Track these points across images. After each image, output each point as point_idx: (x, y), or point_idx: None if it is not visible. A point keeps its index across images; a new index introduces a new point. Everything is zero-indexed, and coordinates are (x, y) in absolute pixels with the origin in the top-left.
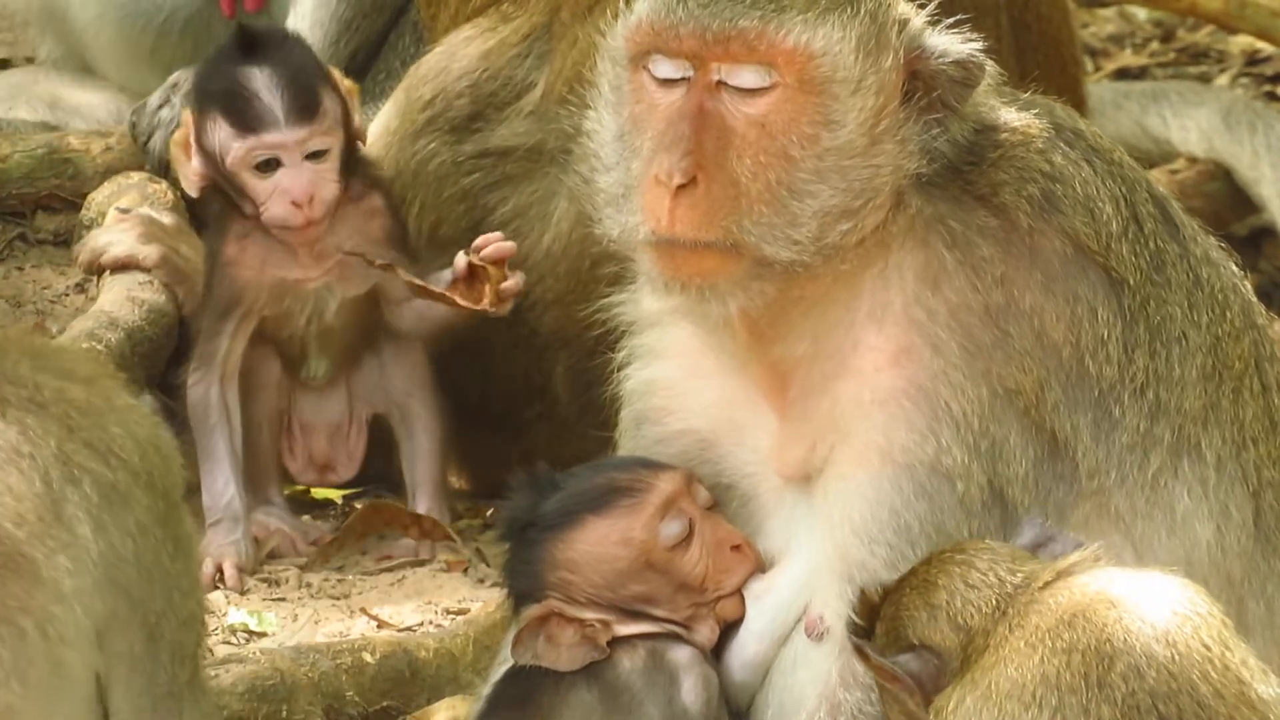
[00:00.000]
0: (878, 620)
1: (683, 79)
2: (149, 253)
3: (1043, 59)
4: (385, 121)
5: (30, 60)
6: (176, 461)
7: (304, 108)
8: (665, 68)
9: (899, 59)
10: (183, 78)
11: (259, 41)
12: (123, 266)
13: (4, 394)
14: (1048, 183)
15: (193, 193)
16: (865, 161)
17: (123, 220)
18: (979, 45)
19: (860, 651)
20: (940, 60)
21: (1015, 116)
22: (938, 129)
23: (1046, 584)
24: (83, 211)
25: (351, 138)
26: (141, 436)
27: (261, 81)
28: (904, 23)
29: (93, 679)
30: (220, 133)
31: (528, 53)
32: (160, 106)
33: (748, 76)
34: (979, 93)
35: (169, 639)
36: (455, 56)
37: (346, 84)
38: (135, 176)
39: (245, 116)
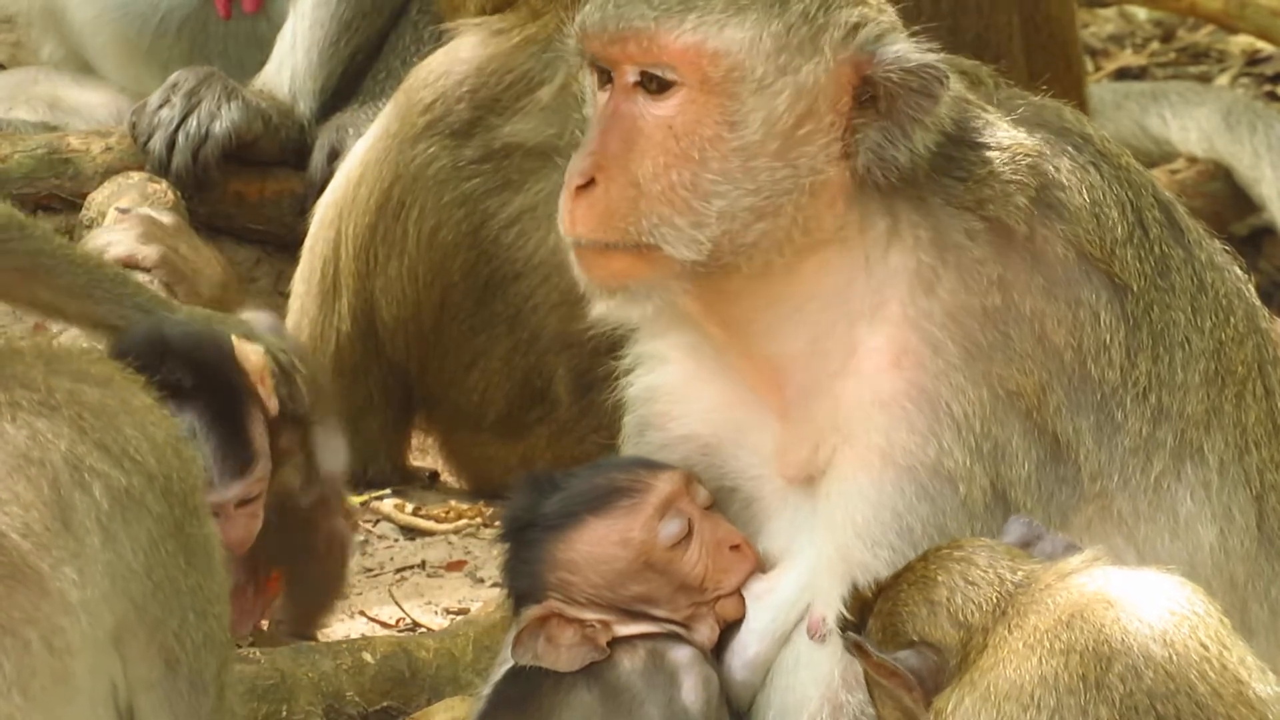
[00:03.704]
0: (870, 617)
1: (610, 81)
2: (149, 253)
3: (1049, 58)
4: (385, 124)
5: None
6: (197, 464)
7: (238, 464)
8: (597, 70)
9: (833, 63)
10: (183, 78)
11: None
12: (123, 266)
13: (15, 398)
14: (1050, 191)
15: None
16: (777, 163)
17: (122, 220)
18: (938, 55)
19: (859, 647)
20: (891, 68)
21: (1007, 135)
22: (899, 136)
23: (1047, 585)
24: (83, 211)
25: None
26: (159, 438)
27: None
28: (856, 27)
29: (106, 689)
30: None
31: (548, 48)
32: (160, 106)
33: (651, 77)
34: (970, 105)
35: (186, 664)
36: (457, 60)
37: (260, 371)
38: (135, 176)
39: None
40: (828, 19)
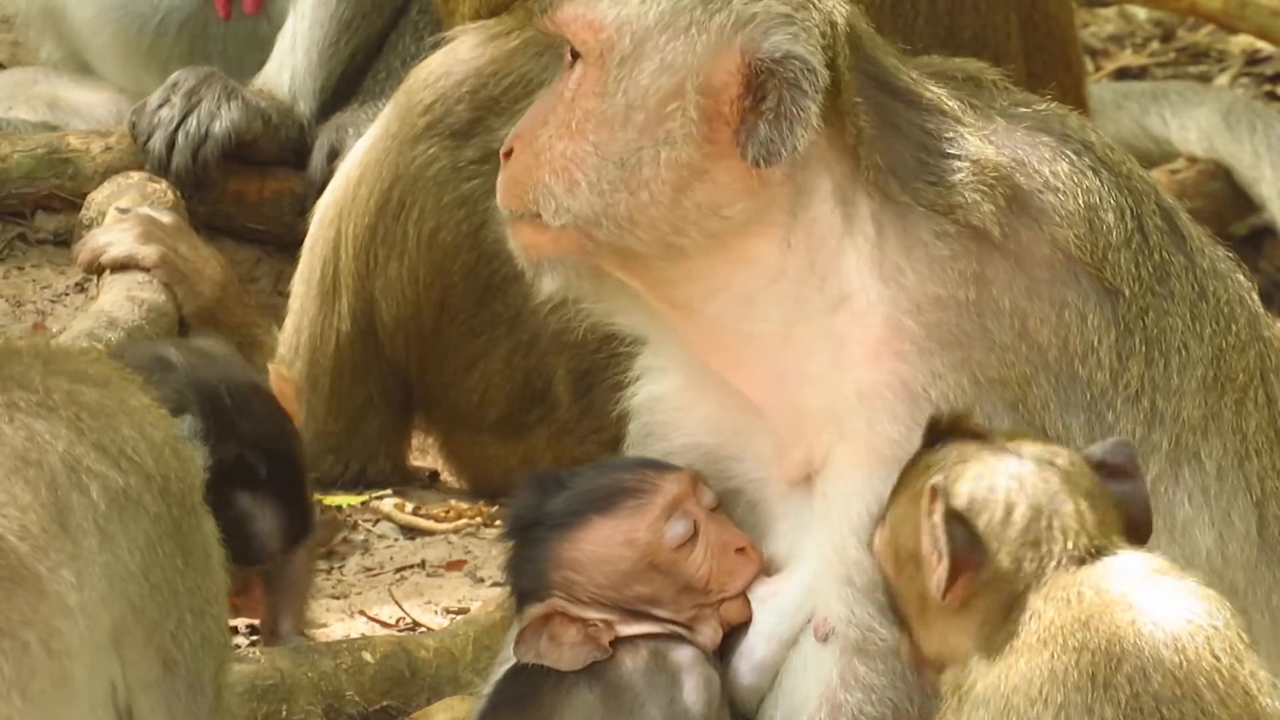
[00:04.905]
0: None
1: None
2: (148, 253)
3: (1048, 58)
4: (384, 125)
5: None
6: (195, 464)
7: (303, 526)
8: None
9: (711, 48)
10: (183, 77)
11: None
12: (122, 266)
13: (13, 399)
14: (1039, 195)
15: None
16: (640, 138)
17: (122, 220)
18: (812, 49)
19: (934, 490)
20: (764, 57)
21: (976, 149)
22: (785, 129)
23: (1077, 585)
24: (83, 211)
25: None
26: (157, 439)
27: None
28: (753, 17)
29: (105, 691)
30: None
31: (545, 50)
32: (160, 106)
33: (566, 50)
34: (945, 117)
35: (184, 665)
36: (457, 61)
37: (295, 401)
38: (135, 176)
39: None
40: (726, 5)
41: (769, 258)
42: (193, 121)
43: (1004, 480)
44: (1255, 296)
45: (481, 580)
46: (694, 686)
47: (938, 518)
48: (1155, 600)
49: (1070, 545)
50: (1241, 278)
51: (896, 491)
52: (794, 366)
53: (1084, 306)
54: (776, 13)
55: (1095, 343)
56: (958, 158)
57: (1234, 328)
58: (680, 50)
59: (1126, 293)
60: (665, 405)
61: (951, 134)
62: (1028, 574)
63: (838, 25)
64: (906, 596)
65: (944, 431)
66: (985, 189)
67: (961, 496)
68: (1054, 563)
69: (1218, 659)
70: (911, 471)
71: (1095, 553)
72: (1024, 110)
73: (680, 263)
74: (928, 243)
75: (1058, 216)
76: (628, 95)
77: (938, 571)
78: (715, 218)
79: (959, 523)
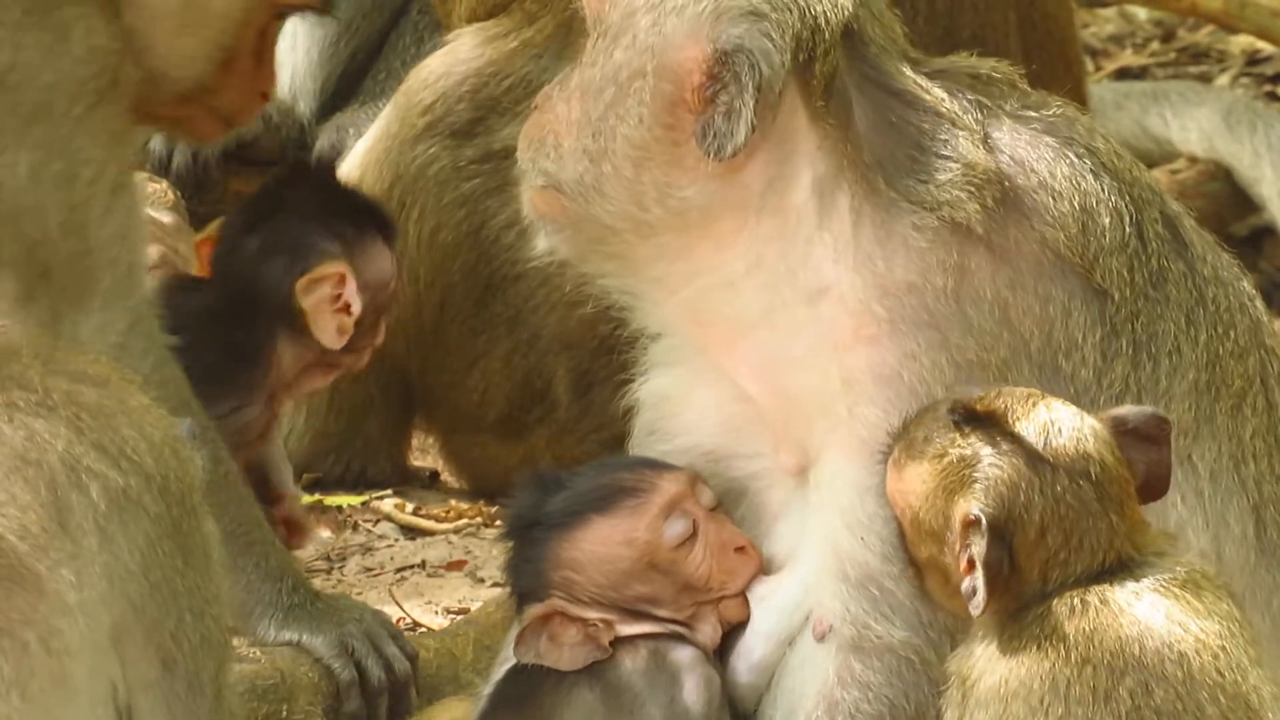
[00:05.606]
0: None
1: None
2: (149, 253)
3: (1048, 57)
4: (385, 125)
5: None
6: (195, 464)
7: None
8: None
9: (680, 35)
10: None
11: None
12: None
13: (12, 399)
14: (1032, 194)
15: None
16: (609, 112)
17: None
18: (767, 49)
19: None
20: (721, 50)
21: (968, 151)
22: (735, 121)
23: (1095, 599)
24: None
25: None
26: (157, 438)
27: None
28: (728, 10)
29: (104, 690)
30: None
31: (543, 51)
32: None
33: None
34: (940, 118)
35: (184, 665)
36: (457, 61)
37: None
38: None
39: None
40: None
41: (740, 244)
42: None
43: (1039, 499)
44: (1260, 305)
45: (482, 580)
46: (694, 686)
47: (978, 549)
48: (1163, 615)
49: (1096, 561)
50: (1247, 286)
51: (915, 455)
52: (780, 354)
53: (1069, 303)
54: (748, 9)
55: (1079, 339)
56: (949, 158)
57: (1233, 334)
58: (654, 32)
59: (1116, 296)
60: (668, 403)
61: (946, 135)
62: (1051, 586)
63: (823, 27)
64: (919, 552)
65: (971, 414)
66: (972, 189)
67: (999, 517)
68: (1077, 577)
69: (1222, 675)
70: (939, 450)
71: (1119, 565)
72: (1032, 113)
73: (651, 239)
74: (905, 235)
75: (1049, 216)
76: (604, 69)
77: (969, 584)
78: (673, 197)
79: (995, 543)
